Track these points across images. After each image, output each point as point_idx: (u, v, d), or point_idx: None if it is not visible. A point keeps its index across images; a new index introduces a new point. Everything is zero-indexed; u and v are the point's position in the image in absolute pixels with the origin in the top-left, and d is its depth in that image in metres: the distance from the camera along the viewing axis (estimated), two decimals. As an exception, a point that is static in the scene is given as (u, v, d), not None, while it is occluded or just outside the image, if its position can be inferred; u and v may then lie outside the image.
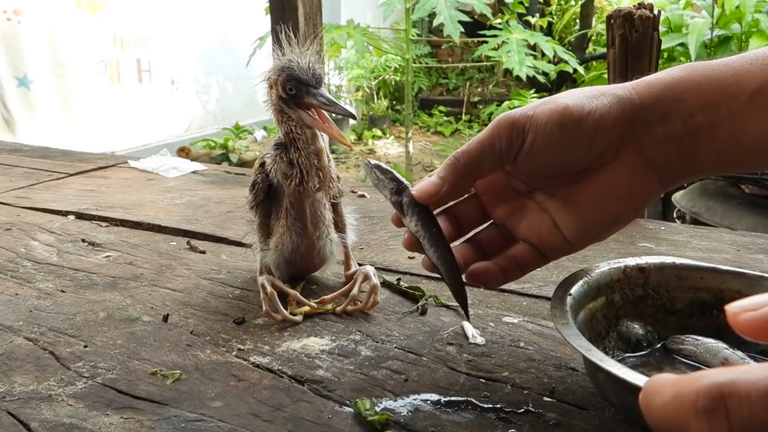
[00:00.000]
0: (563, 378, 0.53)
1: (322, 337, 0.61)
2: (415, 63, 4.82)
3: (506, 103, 5.37)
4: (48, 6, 3.87)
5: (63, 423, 0.47)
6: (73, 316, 0.65)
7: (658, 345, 0.55)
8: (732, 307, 0.26)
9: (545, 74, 3.78)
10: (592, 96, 0.48)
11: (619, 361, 0.47)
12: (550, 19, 6.09)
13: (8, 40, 3.72)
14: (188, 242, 0.87)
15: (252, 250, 0.73)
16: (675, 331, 0.55)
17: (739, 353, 0.50)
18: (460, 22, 2.89)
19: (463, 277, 0.52)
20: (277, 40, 0.65)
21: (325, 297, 0.67)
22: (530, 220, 0.52)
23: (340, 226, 0.72)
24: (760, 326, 0.25)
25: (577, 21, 6.17)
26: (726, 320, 0.26)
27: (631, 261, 0.57)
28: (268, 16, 1.60)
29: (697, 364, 0.51)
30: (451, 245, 0.52)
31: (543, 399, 0.50)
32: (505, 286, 0.72)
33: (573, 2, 6.19)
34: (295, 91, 0.62)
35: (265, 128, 5.32)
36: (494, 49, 3.22)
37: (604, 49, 1.22)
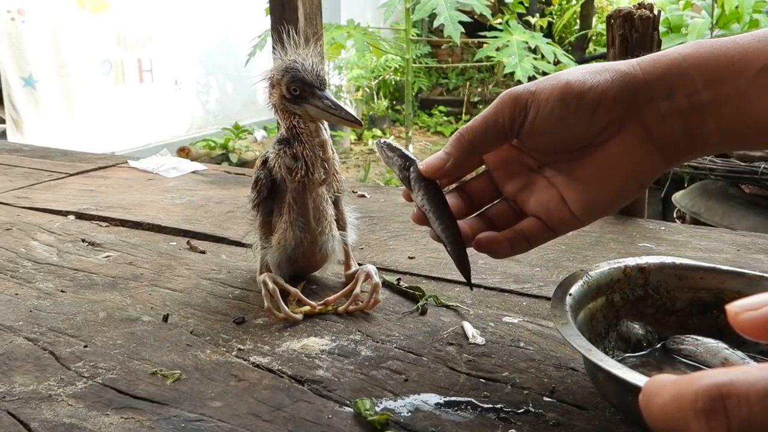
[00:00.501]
0: (563, 378, 0.53)
1: (322, 337, 0.61)
2: (415, 63, 4.82)
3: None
4: (51, 5, 3.86)
5: (63, 423, 0.47)
6: (73, 316, 0.65)
7: (658, 345, 0.55)
8: (733, 307, 0.25)
9: (545, 75, 3.78)
10: (594, 71, 0.49)
11: (619, 361, 0.47)
12: (550, 19, 6.09)
13: (13, 40, 3.71)
14: (188, 242, 0.87)
15: (252, 250, 0.73)
16: (675, 331, 0.55)
17: (739, 353, 0.50)
18: (460, 22, 2.88)
19: (471, 247, 0.53)
20: (279, 40, 0.65)
21: (328, 299, 0.67)
22: (539, 195, 0.53)
23: (341, 224, 0.72)
24: (761, 326, 0.25)
25: (577, 21, 6.17)
26: (726, 320, 0.26)
27: (631, 261, 0.57)
28: (268, 16, 1.60)
29: (697, 364, 0.51)
30: (463, 220, 0.53)
31: (543, 399, 0.50)
32: (505, 286, 0.72)
33: (573, 2, 6.19)
34: (299, 92, 0.62)
35: (265, 128, 5.32)
36: (495, 50, 3.22)
37: (604, 49, 1.21)
